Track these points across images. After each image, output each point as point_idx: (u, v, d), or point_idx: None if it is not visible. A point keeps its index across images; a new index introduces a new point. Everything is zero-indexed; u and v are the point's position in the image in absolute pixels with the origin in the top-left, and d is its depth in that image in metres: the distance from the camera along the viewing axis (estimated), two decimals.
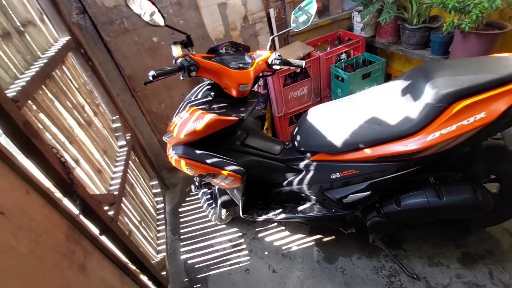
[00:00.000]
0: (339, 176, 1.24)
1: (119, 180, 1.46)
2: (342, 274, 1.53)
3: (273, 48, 2.28)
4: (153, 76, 1.03)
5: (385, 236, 1.61)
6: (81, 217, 1.08)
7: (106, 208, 1.28)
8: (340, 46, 2.21)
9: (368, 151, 1.14)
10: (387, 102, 1.17)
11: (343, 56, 2.22)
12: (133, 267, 1.37)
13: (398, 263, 1.49)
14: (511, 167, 1.23)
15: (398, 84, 1.19)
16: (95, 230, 1.17)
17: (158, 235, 1.84)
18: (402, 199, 1.22)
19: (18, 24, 1.23)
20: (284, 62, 1.36)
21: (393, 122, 1.09)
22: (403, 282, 1.43)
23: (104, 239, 1.21)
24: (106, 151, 1.53)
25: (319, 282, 1.51)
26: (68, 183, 1.03)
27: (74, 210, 1.05)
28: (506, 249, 1.47)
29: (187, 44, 1.15)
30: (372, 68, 2.07)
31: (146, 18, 1.12)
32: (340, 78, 2.12)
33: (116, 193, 1.38)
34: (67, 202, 1.05)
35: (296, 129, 1.38)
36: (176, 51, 1.11)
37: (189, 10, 1.91)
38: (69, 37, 1.53)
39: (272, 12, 2.12)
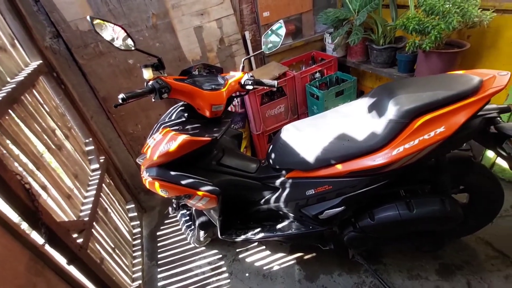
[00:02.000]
0: (313, 192, 1.26)
1: (90, 205, 1.40)
2: None
3: (248, 68, 2.34)
4: (123, 99, 1.02)
5: (364, 250, 1.61)
6: (47, 246, 1.02)
7: (75, 235, 1.22)
8: (314, 66, 2.30)
9: (339, 167, 1.16)
10: (355, 119, 1.22)
11: (317, 75, 2.31)
12: None
13: (378, 278, 1.49)
14: (477, 177, 1.29)
15: (365, 101, 1.24)
16: (62, 260, 1.11)
17: (134, 261, 1.76)
18: (376, 212, 1.24)
19: None
20: (257, 82, 1.40)
21: (361, 138, 1.13)
22: None
23: (72, 269, 1.15)
24: (77, 175, 1.48)
25: None
26: (32, 211, 0.99)
27: (39, 239, 1.00)
28: (483, 258, 1.50)
29: (158, 67, 1.17)
30: (345, 86, 2.16)
31: (118, 43, 1.13)
32: (315, 96, 2.20)
33: (86, 219, 1.32)
34: (33, 233, 1.00)
35: (271, 147, 1.40)
36: (147, 73, 1.12)
37: (164, 33, 1.95)
38: (41, 61, 1.51)
39: (247, 34, 2.20)
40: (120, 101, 1.03)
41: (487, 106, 1.07)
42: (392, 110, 1.05)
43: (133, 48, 1.13)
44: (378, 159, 1.07)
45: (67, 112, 1.66)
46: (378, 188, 1.15)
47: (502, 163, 1.87)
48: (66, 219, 1.24)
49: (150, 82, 1.11)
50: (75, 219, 1.31)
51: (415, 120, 1.02)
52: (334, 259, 1.64)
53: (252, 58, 2.34)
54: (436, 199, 1.18)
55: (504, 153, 1.12)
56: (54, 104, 1.59)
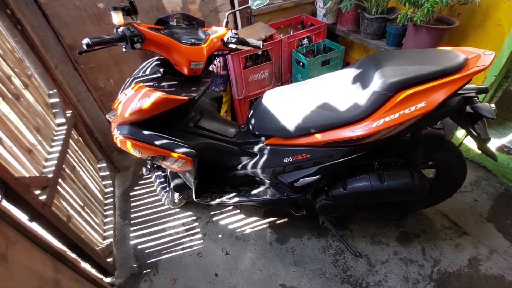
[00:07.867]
0: (291, 160, 1.25)
1: (55, 162, 1.32)
2: (292, 254, 1.58)
3: (233, 27, 2.19)
4: (88, 45, 0.91)
5: (333, 217, 1.69)
6: (4, 202, 0.96)
7: (37, 192, 1.15)
8: (302, 31, 2.19)
9: (318, 136, 1.15)
10: (339, 89, 1.19)
11: (305, 41, 2.21)
12: (73, 255, 1.27)
13: (344, 242, 1.58)
14: (445, 155, 1.34)
15: (351, 71, 1.20)
16: (23, 217, 1.06)
17: (105, 220, 1.73)
18: (349, 182, 1.27)
19: None
20: (241, 41, 1.30)
21: (343, 108, 1.11)
22: (347, 259, 1.53)
23: (35, 226, 1.10)
24: (40, 129, 1.36)
25: (270, 262, 1.55)
26: None
27: None
28: (438, 228, 1.64)
29: (130, 11, 1.04)
30: (332, 55, 2.10)
31: None
32: (301, 63, 2.12)
33: (50, 175, 1.24)
34: None
35: (251, 112, 1.35)
36: (117, 18, 0.99)
37: None
38: None
39: None
40: (85, 47, 0.92)
41: (467, 86, 1.08)
42: (377, 82, 1.03)
43: None
44: (357, 131, 1.06)
45: (26, 57, 1.48)
46: (354, 159, 1.17)
47: (468, 143, 1.97)
48: (27, 175, 1.15)
49: (121, 29, 0.99)
50: (38, 175, 1.22)
51: (399, 93, 1.00)
52: (305, 224, 1.71)
53: (238, 17, 2.17)
54: (406, 172, 1.22)
55: (475, 133, 1.15)
56: (10, 47, 1.40)
